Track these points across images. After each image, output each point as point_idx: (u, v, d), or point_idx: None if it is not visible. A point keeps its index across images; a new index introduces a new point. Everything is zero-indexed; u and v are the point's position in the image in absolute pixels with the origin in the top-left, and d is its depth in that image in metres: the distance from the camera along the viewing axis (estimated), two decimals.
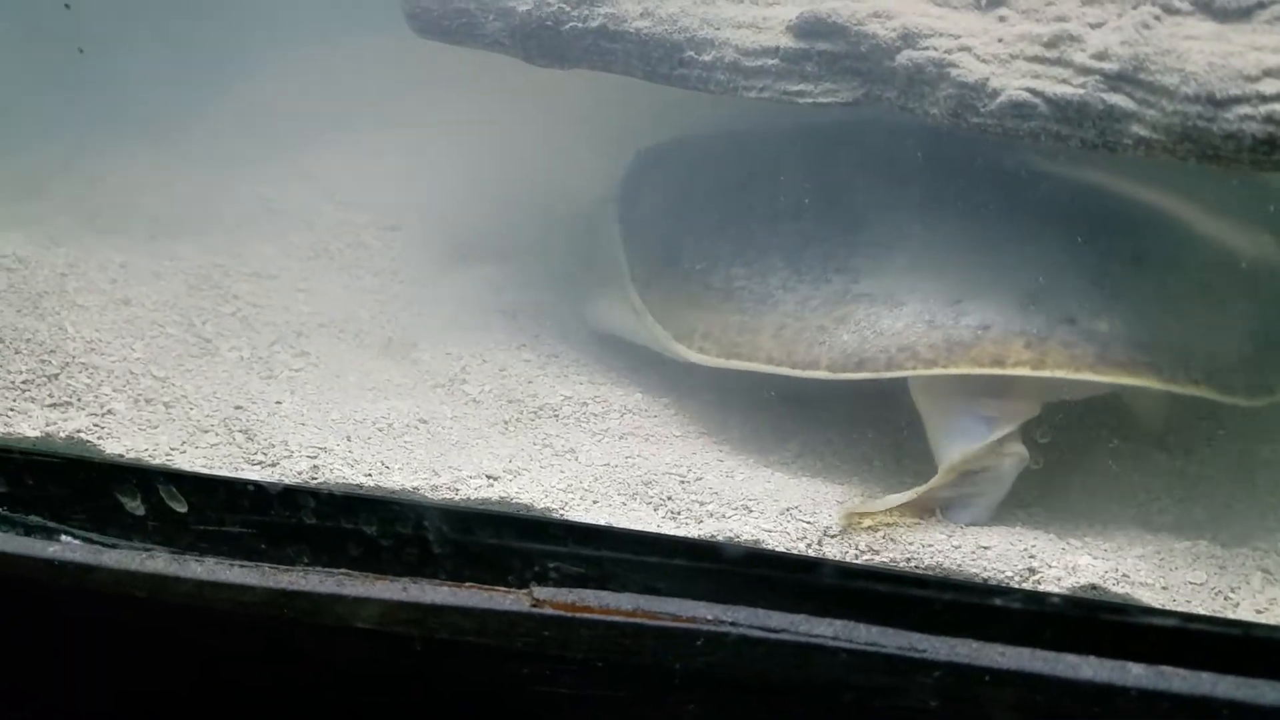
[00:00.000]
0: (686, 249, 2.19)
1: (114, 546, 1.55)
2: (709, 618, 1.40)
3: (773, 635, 1.38)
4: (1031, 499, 1.97)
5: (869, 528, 1.77)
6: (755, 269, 2.07)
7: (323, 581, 1.46)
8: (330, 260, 2.60)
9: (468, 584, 1.45)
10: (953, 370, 1.81)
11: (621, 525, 1.81)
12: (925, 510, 1.83)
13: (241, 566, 1.48)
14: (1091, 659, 1.41)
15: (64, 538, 1.56)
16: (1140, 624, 1.50)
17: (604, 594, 1.43)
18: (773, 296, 2.01)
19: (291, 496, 1.61)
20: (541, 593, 1.44)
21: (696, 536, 1.79)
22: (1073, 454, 2.06)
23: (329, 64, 3.40)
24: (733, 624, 1.39)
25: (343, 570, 1.48)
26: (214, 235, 2.64)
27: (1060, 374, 1.78)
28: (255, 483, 1.69)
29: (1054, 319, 1.82)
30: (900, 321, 1.87)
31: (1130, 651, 1.43)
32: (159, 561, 1.49)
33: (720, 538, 1.80)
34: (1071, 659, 1.40)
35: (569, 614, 1.42)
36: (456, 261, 2.61)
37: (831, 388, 2.18)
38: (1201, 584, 1.78)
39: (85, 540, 1.56)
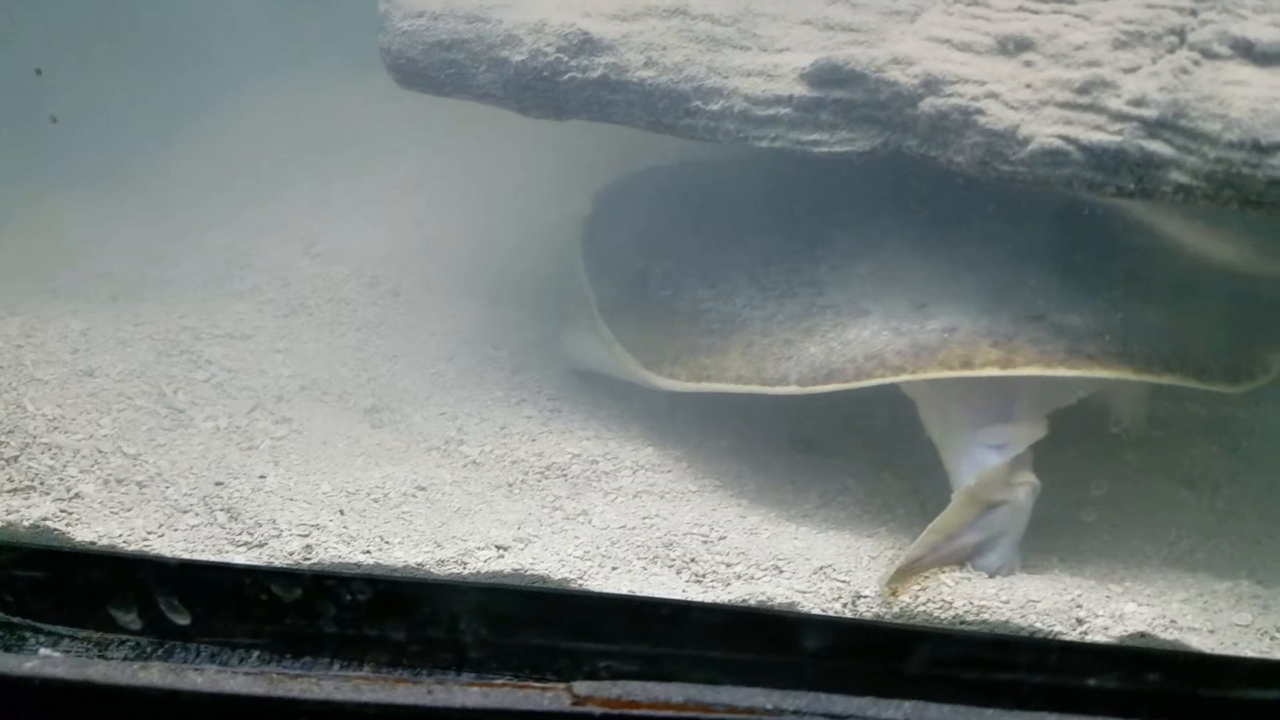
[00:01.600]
0: (653, 276, 2.17)
1: (103, 657, 1.41)
2: (768, 707, 1.29)
3: None
4: (1065, 545, 1.90)
5: (911, 588, 1.68)
6: (721, 290, 2.05)
7: (338, 688, 1.32)
8: (309, 317, 2.46)
9: (500, 682, 1.33)
10: (921, 375, 1.78)
11: (645, 594, 1.70)
12: (954, 558, 1.75)
13: (247, 674, 1.34)
14: None
15: (43, 650, 1.41)
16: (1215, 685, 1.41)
17: (651, 685, 1.31)
18: (740, 315, 1.99)
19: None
20: (582, 688, 1.31)
21: (728, 602, 1.69)
22: (1100, 495, 2.00)
23: (297, 104, 3.26)
24: (795, 713, 1.28)
25: (360, 674, 1.35)
26: (181, 294, 2.50)
27: (1030, 371, 1.74)
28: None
29: (1021, 317, 1.79)
30: (866, 330, 1.85)
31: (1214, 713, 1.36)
32: (153, 673, 1.35)
33: (752, 601, 1.70)
34: None
35: (615, 711, 1.29)
36: (443, 312, 2.48)
37: (843, 430, 2.12)
38: (1247, 625, 1.73)
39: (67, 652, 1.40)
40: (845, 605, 1.70)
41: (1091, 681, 1.32)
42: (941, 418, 1.89)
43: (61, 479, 1.83)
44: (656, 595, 1.70)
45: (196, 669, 1.37)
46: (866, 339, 1.83)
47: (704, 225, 2.23)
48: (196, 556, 1.74)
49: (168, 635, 1.37)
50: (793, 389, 1.84)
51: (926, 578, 1.71)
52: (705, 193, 2.33)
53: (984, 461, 1.78)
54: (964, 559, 1.76)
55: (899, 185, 2.06)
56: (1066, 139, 1.60)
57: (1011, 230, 1.97)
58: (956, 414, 1.85)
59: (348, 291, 2.54)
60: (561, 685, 1.32)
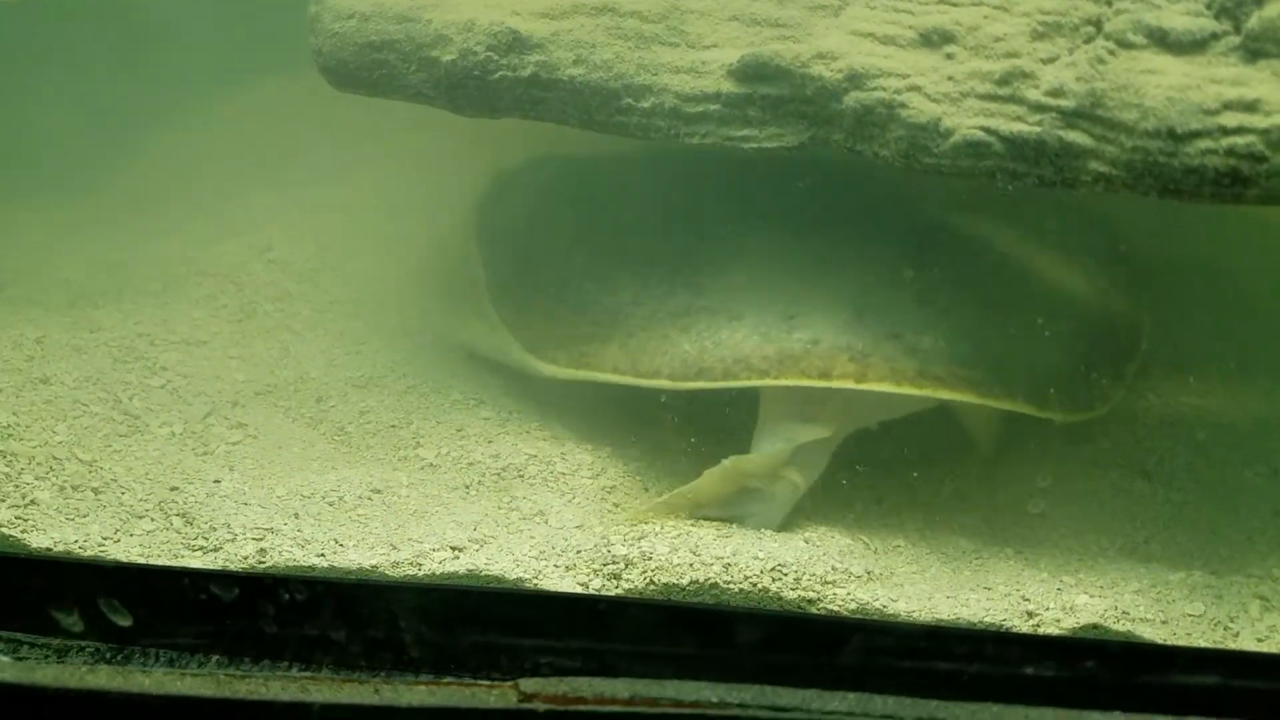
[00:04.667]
0: (542, 264, 2.24)
1: (50, 660, 1.40)
2: (714, 700, 1.30)
3: (784, 715, 1.29)
4: (1020, 537, 1.91)
5: (641, 522, 1.81)
6: (607, 284, 2.12)
7: (285, 688, 1.32)
8: (263, 322, 2.45)
9: (447, 681, 1.33)
10: (783, 381, 1.87)
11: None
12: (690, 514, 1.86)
13: (194, 676, 1.35)
14: (1118, 714, 1.34)
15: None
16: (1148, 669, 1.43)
17: (598, 681, 1.32)
18: (623, 310, 2.07)
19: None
20: (529, 685, 1.32)
21: None
22: (1056, 485, 2.02)
23: (256, 114, 3.25)
24: (740, 705, 1.29)
25: (306, 674, 1.35)
26: (137, 301, 2.48)
27: (882, 387, 1.84)
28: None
29: (879, 335, 1.88)
30: (738, 334, 1.93)
31: (1149, 700, 1.37)
32: (101, 676, 1.35)
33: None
34: (1097, 717, 1.33)
35: (561, 708, 1.30)
36: (401, 315, 2.48)
37: None
38: (1200, 615, 1.75)
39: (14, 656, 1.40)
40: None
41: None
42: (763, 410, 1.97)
43: (17, 485, 1.83)
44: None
45: (144, 671, 1.37)
46: (737, 342, 1.92)
47: (595, 218, 2.29)
48: (151, 561, 1.75)
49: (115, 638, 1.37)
50: (664, 383, 1.95)
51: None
52: (599, 185, 2.38)
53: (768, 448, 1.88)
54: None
55: (787, 188, 2.13)
56: (988, 130, 1.62)
57: (884, 241, 2.05)
58: (770, 410, 1.94)
59: (303, 296, 2.53)
60: (508, 683, 1.33)
